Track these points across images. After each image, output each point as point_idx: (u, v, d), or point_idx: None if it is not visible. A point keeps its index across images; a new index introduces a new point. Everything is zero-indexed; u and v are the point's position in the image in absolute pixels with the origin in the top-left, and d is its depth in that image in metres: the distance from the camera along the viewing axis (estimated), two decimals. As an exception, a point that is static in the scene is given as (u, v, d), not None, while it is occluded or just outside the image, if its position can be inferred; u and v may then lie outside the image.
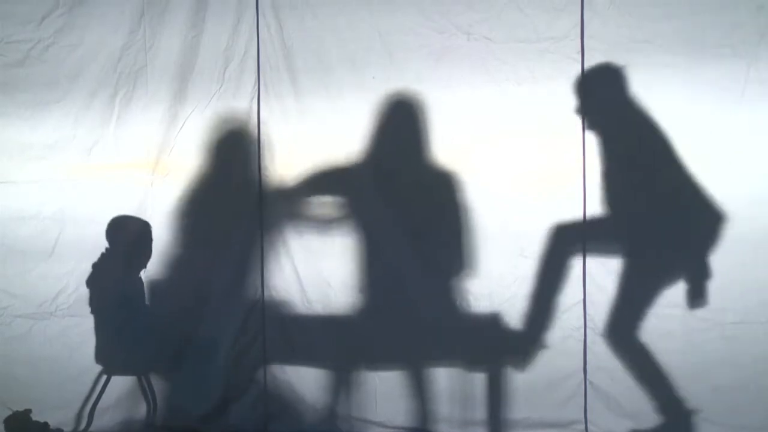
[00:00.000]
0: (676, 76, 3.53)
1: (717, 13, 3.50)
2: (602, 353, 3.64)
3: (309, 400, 3.87)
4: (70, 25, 3.88)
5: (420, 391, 3.81)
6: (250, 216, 3.85)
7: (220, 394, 3.91)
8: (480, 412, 3.75)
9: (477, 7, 3.64)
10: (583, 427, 3.67)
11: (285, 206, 3.85)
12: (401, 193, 3.78)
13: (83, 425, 3.97)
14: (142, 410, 3.97)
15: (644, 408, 3.62)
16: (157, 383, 3.98)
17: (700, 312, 3.55)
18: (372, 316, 3.81)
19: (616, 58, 3.57)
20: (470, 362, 3.76)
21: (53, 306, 3.93)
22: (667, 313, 3.57)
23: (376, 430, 3.82)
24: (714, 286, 3.54)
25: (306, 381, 3.88)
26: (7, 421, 3.94)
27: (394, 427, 3.81)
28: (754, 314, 3.52)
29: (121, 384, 3.95)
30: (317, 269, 3.81)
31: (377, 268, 3.80)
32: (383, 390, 3.81)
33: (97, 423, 3.97)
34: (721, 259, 3.52)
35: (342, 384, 3.87)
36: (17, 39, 3.90)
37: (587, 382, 3.66)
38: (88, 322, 3.93)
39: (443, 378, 3.77)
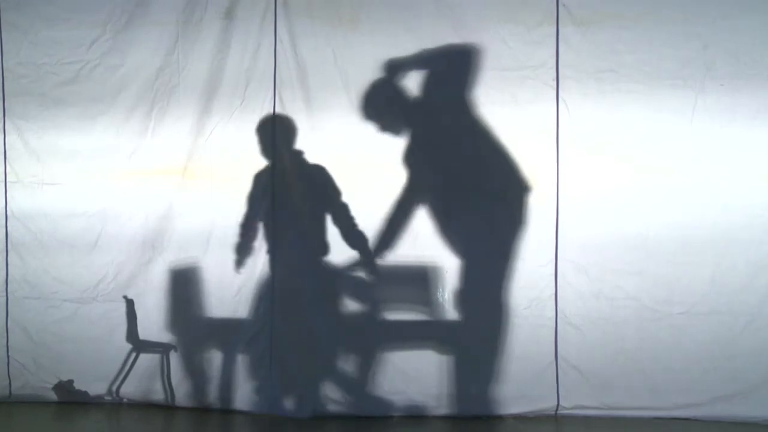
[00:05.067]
0: (637, 101, 3.99)
1: (671, 49, 3.96)
2: (572, 340, 4.05)
3: (312, 384, 4.20)
4: (115, 48, 4.30)
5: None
6: (264, 214, 4.22)
7: (231, 377, 4.24)
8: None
9: (466, 39, 4.07)
10: (555, 403, 4.08)
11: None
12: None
13: (114, 395, 4.38)
14: (159, 387, 4.35)
15: (610, 386, 4.02)
16: (175, 364, 4.33)
17: (652, 304, 3.99)
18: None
19: (586, 85, 4.02)
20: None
21: (95, 292, 4.36)
22: (624, 305, 4.00)
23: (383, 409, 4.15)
24: (665, 282, 3.98)
25: (309, 366, 4.21)
26: (55, 388, 4.43)
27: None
28: (697, 306, 3.97)
29: (145, 363, 4.35)
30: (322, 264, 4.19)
31: None
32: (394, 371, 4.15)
33: (124, 394, 4.38)
34: (670, 259, 3.97)
35: (349, 366, 4.19)
36: (70, 61, 4.33)
37: (558, 366, 4.07)
38: (124, 307, 4.35)
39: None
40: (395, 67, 4.10)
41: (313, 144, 4.22)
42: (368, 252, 4.15)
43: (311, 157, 4.23)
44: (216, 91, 4.25)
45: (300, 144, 4.24)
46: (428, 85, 4.12)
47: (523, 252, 4.08)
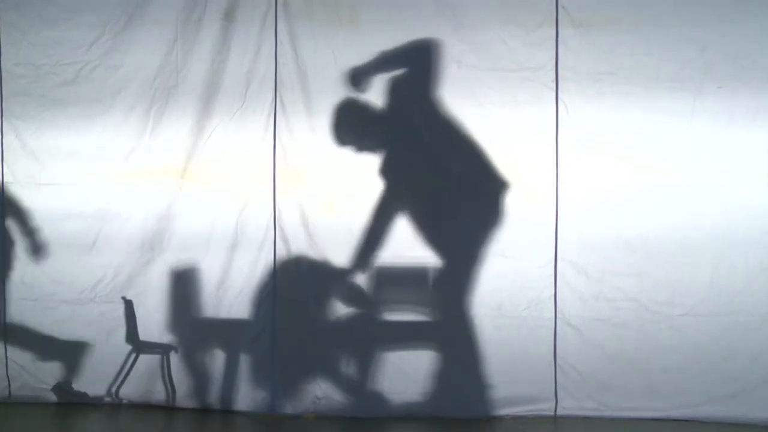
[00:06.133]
0: (636, 103, 4.00)
1: (669, 52, 3.98)
2: (571, 341, 4.06)
3: (311, 384, 4.22)
4: (114, 49, 4.29)
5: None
6: (265, 215, 4.23)
7: (232, 377, 4.25)
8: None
9: (467, 40, 4.10)
10: (553, 404, 4.10)
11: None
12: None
13: (114, 396, 4.38)
14: (160, 387, 4.34)
15: (609, 387, 4.03)
16: (175, 365, 4.33)
17: (651, 305, 4.00)
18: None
19: (585, 87, 4.03)
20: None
21: (93, 293, 4.35)
22: (623, 306, 4.01)
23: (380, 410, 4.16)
24: (664, 284, 3.99)
25: (310, 366, 4.22)
26: (54, 389, 4.43)
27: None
28: (697, 309, 3.98)
29: (145, 363, 4.35)
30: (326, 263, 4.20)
31: None
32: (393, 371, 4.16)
33: (123, 395, 4.37)
34: (669, 260, 3.98)
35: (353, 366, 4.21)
36: (70, 61, 4.32)
37: (557, 367, 4.08)
38: (122, 308, 4.34)
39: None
40: (357, 77, 4.12)
41: (313, 146, 4.22)
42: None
43: (310, 156, 4.23)
44: (216, 93, 4.25)
45: (298, 144, 4.23)
46: (392, 91, 4.13)
47: (522, 252, 4.09)
